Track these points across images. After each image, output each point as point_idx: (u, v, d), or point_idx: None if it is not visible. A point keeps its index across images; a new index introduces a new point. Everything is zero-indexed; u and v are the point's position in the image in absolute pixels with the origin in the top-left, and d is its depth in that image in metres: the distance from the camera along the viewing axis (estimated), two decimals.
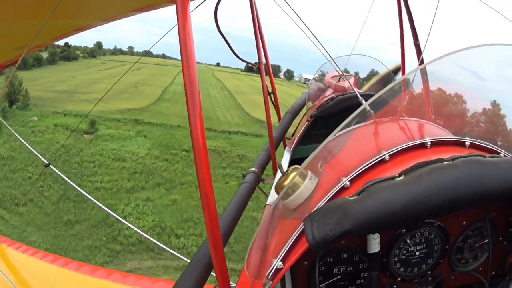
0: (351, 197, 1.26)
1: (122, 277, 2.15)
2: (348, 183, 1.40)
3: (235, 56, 3.30)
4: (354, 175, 1.41)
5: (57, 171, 3.83)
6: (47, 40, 4.06)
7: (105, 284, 2.10)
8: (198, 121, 1.63)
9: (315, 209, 1.34)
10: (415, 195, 1.15)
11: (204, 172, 1.64)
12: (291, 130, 5.40)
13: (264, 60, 4.31)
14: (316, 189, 1.44)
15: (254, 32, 4.33)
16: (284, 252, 1.33)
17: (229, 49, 3.15)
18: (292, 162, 3.35)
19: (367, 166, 1.42)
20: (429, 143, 1.47)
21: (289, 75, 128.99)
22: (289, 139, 5.45)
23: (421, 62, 4.43)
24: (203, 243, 2.36)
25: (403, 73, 5.08)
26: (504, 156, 1.46)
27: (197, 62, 1.65)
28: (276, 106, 5.58)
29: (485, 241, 1.55)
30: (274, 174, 4.39)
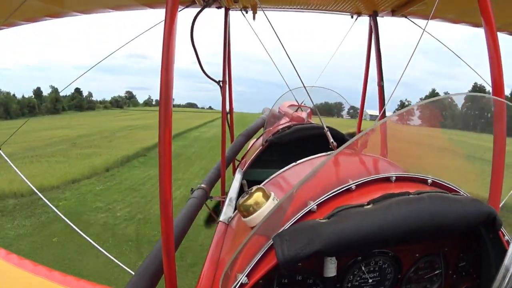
0: (322, 219, 1.32)
1: (63, 277, 2.06)
2: (315, 207, 1.44)
3: (201, 71, 3.31)
4: (322, 200, 1.46)
5: (5, 156, 3.61)
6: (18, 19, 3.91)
7: (43, 282, 2.00)
8: (168, 130, 1.65)
9: (283, 228, 1.37)
10: (385, 222, 1.23)
11: (166, 180, 1.64)
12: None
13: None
14: (281, 210, 1.47)
15: (223, 52, 4.42)
16: (250, 268, 1.34)
17: (198, 63, 3.16)
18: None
19: (334, 193, 1.48)
20: (394, 178, 1.57)
21: None
22: (239, 160, 5.56)
23: (382, 102, 4.67)
24: (150, 253, 2.33)
25: (362, 106, 5.34)
26: (463, 194, 1.54)
27: None
28: (231, 127, 5.68)
29: (435, 273, 1.63)
30: (223, 192, 4.47)
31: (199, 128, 47.38)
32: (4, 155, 3.61)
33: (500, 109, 2.05)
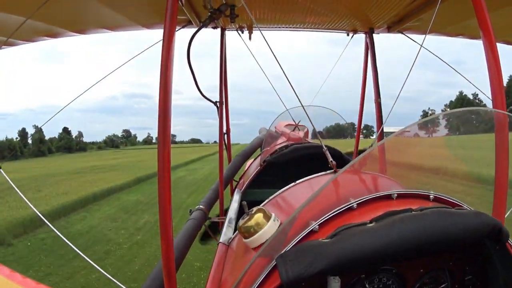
0: (324, 239, 1.31)
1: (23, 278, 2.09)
2: (317, 227, 1.43)
3: (198, 91, 3.32)
4: (323, 219, 1.45)
5: (6, 176, 3.58)
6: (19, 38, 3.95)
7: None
8: (167, 154, 1.66)
9: (285, 249, 1.36)
10: (389, 240, 1.22)
11: (166, 202, 1.65)
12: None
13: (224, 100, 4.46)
14: (283, 231, 1.47)
15: (220, 72, 4.45)
16: None
17: (194, 83, 3.17)
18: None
19: (336, 212, 1.47)
20: (395, 195, 1.56)
21: None
22: (237, 181, 5.54)
23: (380, 118, 4.69)
24: (151, 275, 2.33)
25: (360, 124, 5.36)
26: (467, 208, 1.53)
27: None
28: (228, 147, 5.66)
29: (442, 286, 1.60)
30: (221, 213, 4.44)
31: (191, 165, 41.63)
32: (5, 175, 3.58)
33: (501, 121, 2.06)
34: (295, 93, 2.54)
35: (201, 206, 3.87)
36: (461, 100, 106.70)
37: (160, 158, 1.68)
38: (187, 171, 33.99)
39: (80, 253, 3.17)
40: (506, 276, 1.44)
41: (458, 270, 1.61)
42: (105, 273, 3.05)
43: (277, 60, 2.60)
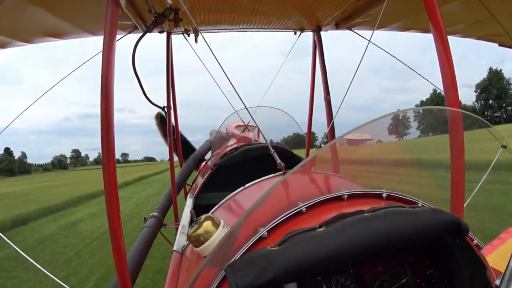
0: (273, 247, 1.28)
1: None
2: (266, 233, 1.41)
3: (145, 98, 3.26)
4: (272, 225, 1.43)
5: None
6: None
7: None
8: (111, 164, 1.62)
9: (234, 258, 1.34)
10: (340, 245, 1.20)
11: (114, 213, 1.62)
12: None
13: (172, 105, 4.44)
14: (232, 238, 1.45)
15: (167, 77, 4.42)
16: None
17: (140, 90, 3.11)
18: (195, 208, 3.39)
19: (285, 217, 1.44)
20: (346, 196, 1.54)
21: None
22: (190, 185, 5.51)
23: (330, 116, 4.78)
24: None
25: (310, 123, 5.46)
26: (422, 205, 1.53)
27: None
28: (178, 152, 5.64)
29: (402, 284, 1.58)
30: (176, 219, 4.43)
31: (122, 189, 29.23)
32: None
33: (453, 115, 2.09)
34: (237, 93, 2.56)
35: (155, 213, 3.83)
36: (437, 99, 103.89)
37: (105, 168, 1.64)
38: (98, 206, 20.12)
39: None
40: (470, 268, 1.44)
41: (418, 265, 1.60)
42: None
43: (217, 61, 2.57)
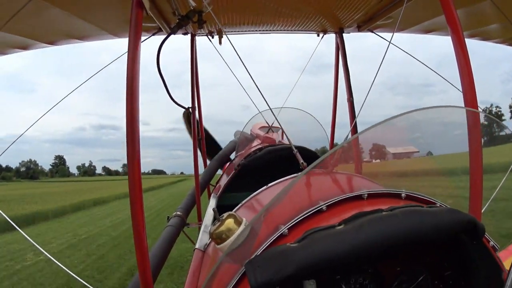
0: (292, 244, 1.29)
1: None
2: (286, 231, 1.42)
3: (170, 98, 3.30)
4: (293, 223, 1.44)
5: None
6: None
7: None
8: (136, 164, 1.65)
9: (255, 254, 1.36)
10: (357, 242, 1.21)
11: (138, 212, 1.65)
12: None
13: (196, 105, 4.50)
14: (253, 236, 1.46)
15: (191, 78, 4.45)
16: None
17: (165, 90, 3.15)
18: (218, 208, 3.42)
19: (305, 215, 1.46)
20: (365, 195, 1.55)
21: None
22: (213, 185, 5.53)
23: (353, 117, 4.74)
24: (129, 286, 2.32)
25: (333, 123, 5.41)
26: (440, 206, 1.53)
27: None
28: (203, 153, 5.67)
29: (420, 284, 1.59)
30: (199, 219, 4.45)
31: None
32: None
33: (473, 118, 2.07)
34: (261, 93, 2.56)
35: (178, 213, 3.88)
36: None
37: (130, 168, 1.67)
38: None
39: None
40: (486, 270, 1.44)
41: (436, 266, 1.61)
42: None
43: (242, 62, 2.60)
